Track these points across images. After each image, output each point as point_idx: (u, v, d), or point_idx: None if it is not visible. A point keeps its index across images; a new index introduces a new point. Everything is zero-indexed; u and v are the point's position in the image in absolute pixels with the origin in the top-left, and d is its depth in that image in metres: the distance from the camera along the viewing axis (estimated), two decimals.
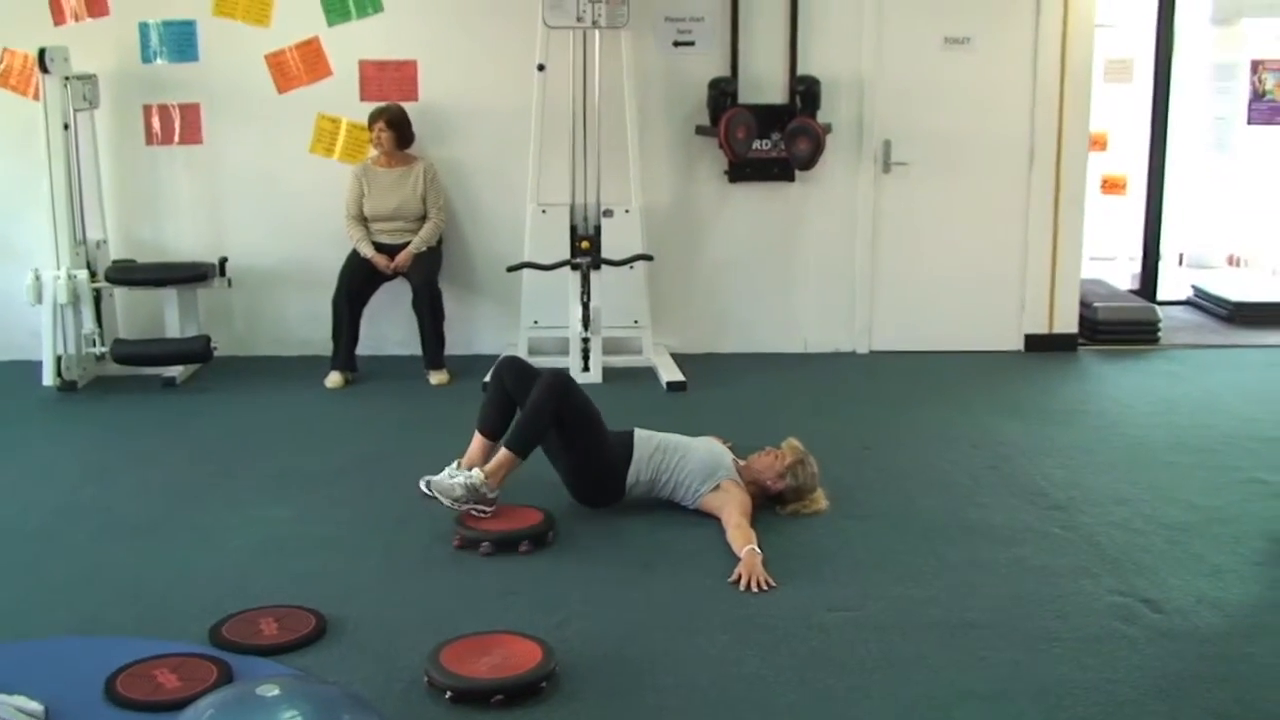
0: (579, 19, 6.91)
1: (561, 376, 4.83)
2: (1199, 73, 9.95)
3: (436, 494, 4.66)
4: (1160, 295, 9.14)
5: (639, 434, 4.93)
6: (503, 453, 4.73)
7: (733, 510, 4.60)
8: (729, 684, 3.52)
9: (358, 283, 7.05)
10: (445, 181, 7.36)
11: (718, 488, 4.77)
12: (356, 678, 3.53)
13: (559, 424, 4.76)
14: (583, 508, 4.91)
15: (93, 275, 6.96)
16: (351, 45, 7.37)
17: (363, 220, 7.13)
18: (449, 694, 3.39)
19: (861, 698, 3.43)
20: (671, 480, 4.84)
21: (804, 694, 3.46)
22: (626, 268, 7.12)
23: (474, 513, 4.64)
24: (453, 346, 7.22)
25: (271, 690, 2.77)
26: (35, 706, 3.22)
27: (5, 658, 3.63)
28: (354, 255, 7.09)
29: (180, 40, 7.33)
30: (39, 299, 6.81)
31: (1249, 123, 9.67)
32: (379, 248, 7.07)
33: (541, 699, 3.41)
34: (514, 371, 5.04)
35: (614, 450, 4.86)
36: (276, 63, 7.37)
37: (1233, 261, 10.54)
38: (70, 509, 4.98)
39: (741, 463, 4.93)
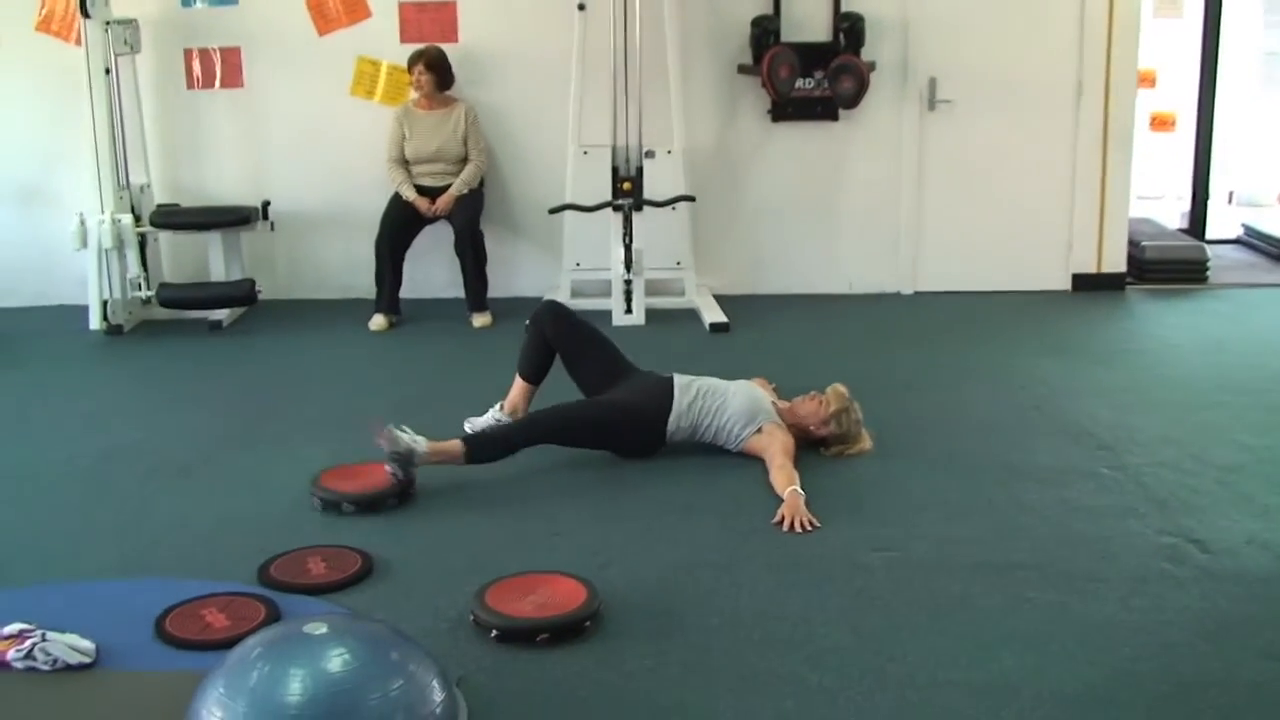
0: None
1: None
2: (1250, 7, 9.76)
3: (385, 439, 4.39)
4: (1209, 234, 9.01)
5: (678, 380, 4.89)
6: (455, 443, 4.56)
7: (776, 451, 4.59)
8: (773, 624, 3.52)
9: (400, 226, 7.05)
10: (486, 124, 7.33)
11: (760, 430, 4.75)
12: (403, 617, 3.54)
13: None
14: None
15: (137, 219, 6.99)
16: None
17: (404, 163, 7.12)
18: (494, 633, 3.41)
19: (906, 638, 3.43)
20: (714, 425, 4.82)
21: (848, 634, 3.45)
22: (669, 209, 7.09)
23: (389, 470, 4.41)
24: (495, 289, 7.21)
25: (319, 629, 2.79)
26: (87, 645, 3.26)
27: (57, 598, 3.67)
28: (396, 198, 7.09)
29: None
30: (84, 244, 6.86)
31: None
32: (421, 190, 7.07)
33: (586, 638, 3.42)
34: (553, 317, 5.03)
35: (637, 412, 4.81)
36: (316, 5, 7.35)
37: None
38: (117, 452, 5.03)
39: (783, 404, 4.91)
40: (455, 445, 4.56)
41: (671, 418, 4.80)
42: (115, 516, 4.36)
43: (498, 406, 5.01)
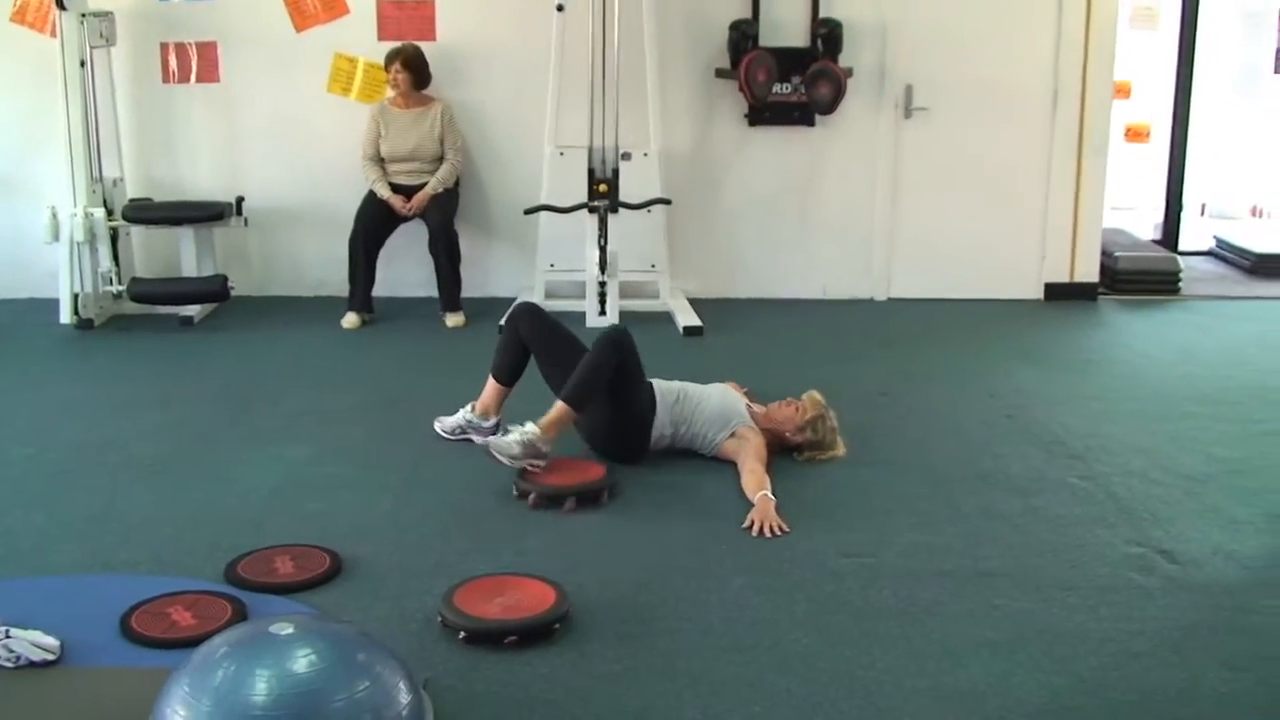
0: None
1: (623, 333, 4.76)
2: (1226, 20, 9.82)
3: (495, 454, 4.47)
4: (1182, 245, 9.06)
5: (658, 386, 4.88)
6: (559, 406, 4.60)
7: (748, 456, 4.59)
8: (742, 628, 3.52)
9: (375, 224, 7.03)
10: (462, 123, 7.31)
11: (734, 434, 4.75)
12: (371, 617, 3.54)
13: (614, 379, 4.69)
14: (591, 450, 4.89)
15: (109, 213, 6.95)
16: None
17: (379, 161, 7.10)
18: (462, 634, 3.40)
19: (874, 644, 3.43)
20: (690, 430, 4.82)
21: (817, 639, 3.46)
22: (644, 211, 7.08)
23: (529, 467, 4.49)
24: (469, 289, 7.20)
25: (286, 629, 2.77)
26: (51, 641, 3.24)
27: (22, 593, 3.65)
28: (371, 196, 7.07)
29: None
30: (56, 237, 6.81)
31: (1276, 71, 9.57)
32: (396, 189, 7.05)
33: (554, 641, 3.42)
34: (529, 318, 5.02)
35: (644, 405, 4.82)
36: (293, 1, 7.32)
37: (1256, 212, 10.46)
38: (87, 447, 5.00)
39: (758, 409, 4.91)
40: (561, 409, 4.59)
41: (655, 425, 4.80)
42: (83, 512, 4.32)
43: (469, 407, 5.00)
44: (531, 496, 4.40)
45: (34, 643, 3.21)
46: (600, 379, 4.64)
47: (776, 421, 4.85)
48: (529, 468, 4.50)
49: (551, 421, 4.56)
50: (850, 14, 7.36)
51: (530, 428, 4.52)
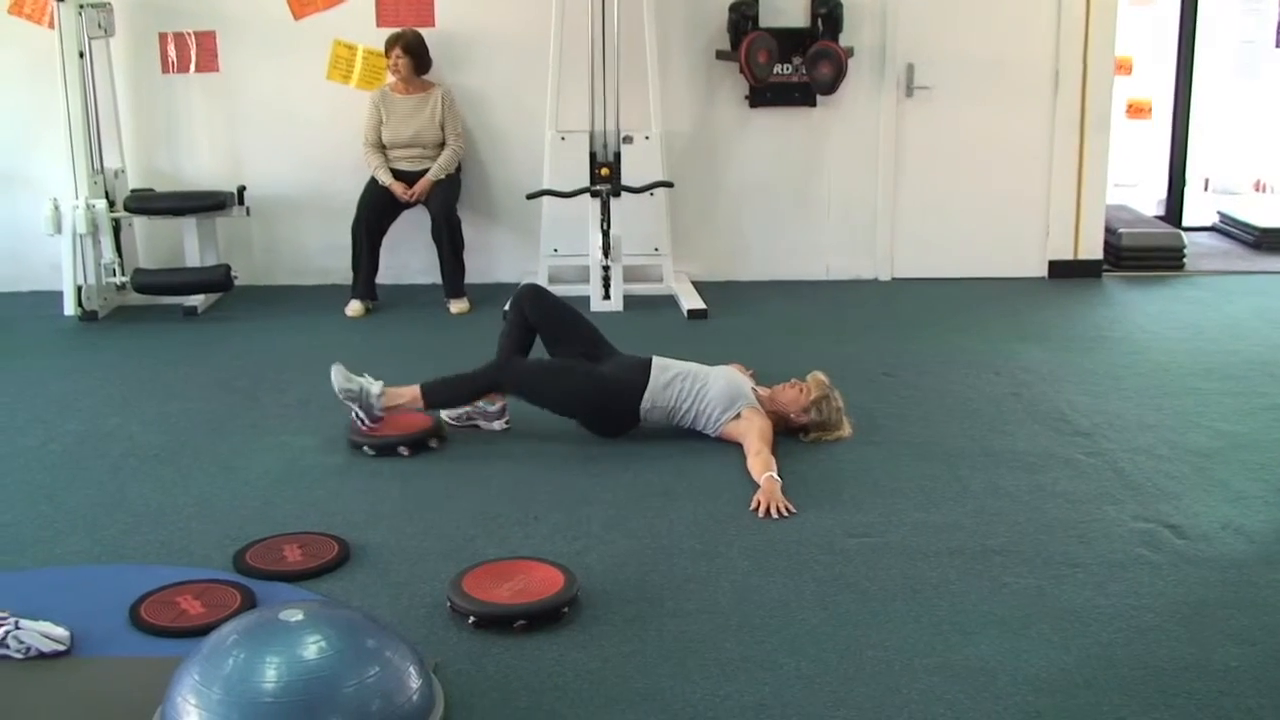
0: None
1: (494, 370, 4.88)
2: None
3: (332, 375, 4.77)
4: (1186, 221, 9.03)
5: (657, 361, 4.90)
6: (414, 389, 4.81)
7: (753, 438, 4.59)
8: (751, 609, 3.52)
9: (377, 211, 7.03)
10: (463, 108, 7.30)
11: (739, 416, 4.75)
12: (379, 603, 3.54)
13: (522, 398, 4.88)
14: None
15: (111, 204, 6.95)
16: None
17: (381, 148, 7.09)
18: (471, 619, 3.40)
19: (883, 622, 3.43)
20: (693, 409, 4.82)
21: (826, 618, 3.46)
22: (646, 194, 7.07)
23: (355, 417, 4.77)
24: (472, 275, 7.19)
25: (295, 615, 2.78)
26: (61, 632, 3.24)
27: (31, 584, 3.66)
28: (373, 183, 7.06)
29: None
30: (58, 229, 6.81)
31: (1277, 45, 9.53)
32: (397, 175, 7.04)
33: (563, 624, 3.42)
34: (534, 299, 5.03)
35: (614, 388, 4.83)
36: None
37: (1259, 187, 10.44)
38: (93, 438, 5.00)
39: (762, 391, 4.91)
40: (413, 391, 4.80)
41: (646, 395, 4.80)
42: (90, 502, 4.33)
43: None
44: (365, 448, 4.70)
45: (44, 633, 3.22)
46: (459, 390, 4.87)
47: (781, 403, 4.84)
48: (354, 419, 4.77)
49: (397, 393, 4.80)
50: None
51: (378, 384, 4.77)
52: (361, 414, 4.76)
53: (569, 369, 4.89)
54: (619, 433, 4.87)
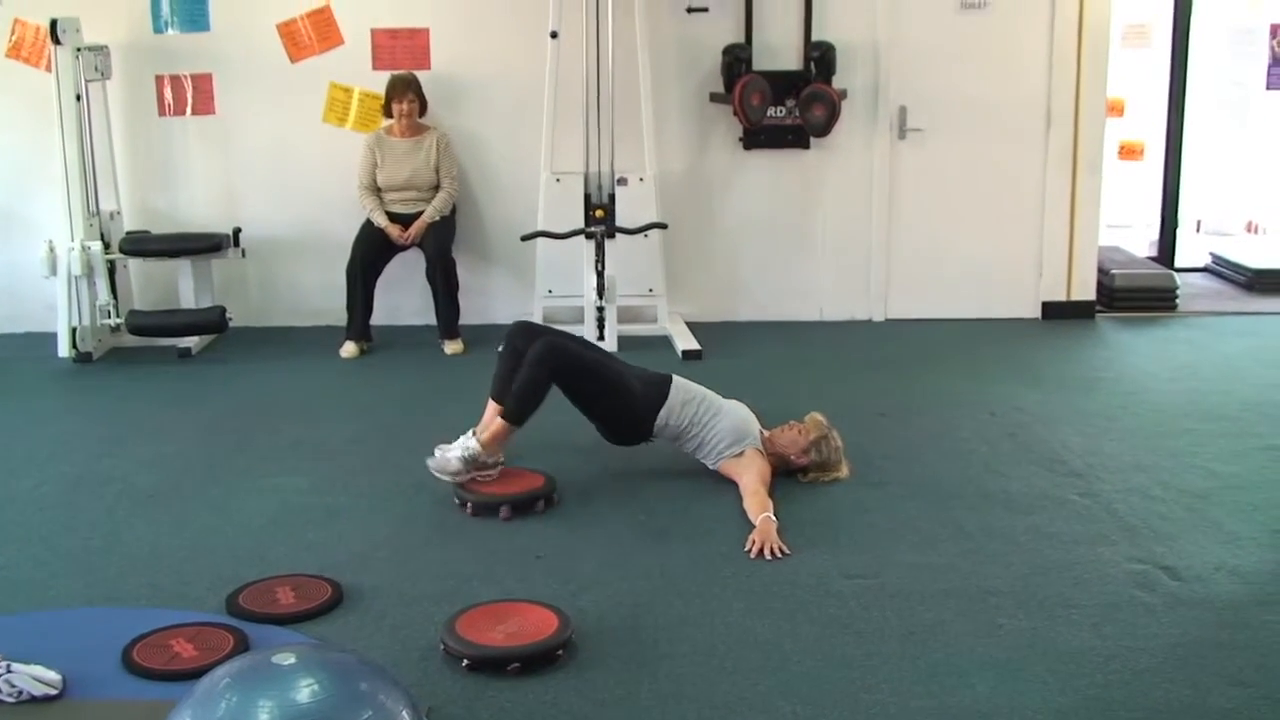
0: None
1: (552, 348, 4.80)
2: (1217, 37, 9.84)
3: (436, 473, 4.68)
4: (1178, 262, 9.07)
5: (677, 380, 4.95)
6: (499, 422, 4.76)
7: (751, 477, 4.60)
8: (745, 651, 3.51)
9: (372, 253, 7.04)
10: (458, 150, 7.34)
11: (741, 454, 4.76)
12: (373, 646, 3.53)
13: (564, 388, 4.81)
14: (595, 472, 4.92)
15: (107, 246, 6.96)
16: (363, 13, 7.34)
17: (376, 190, 7.11)
18: (465, 662, 3.39)
19: (879, 665, 3.42)
20: (700, 435, 4.84)
21: (820, 661, 3.45)
22: (641, 236, 7.09)
23: (478, 478, 4.69)
24: (467, 316, 7.20)
25: (288, 659, 2.76)
26: (53, 676, 3.23)
27: (23, 627, 3.64)
28: (368, 225, 7.08)
29: (191, 10, 7.30)
30: (53, 271, 6.82)
31: (1268, 88, 9.58)
32: (392, 217, 7.06)
33: (558, 667, 3.41)
34: (526, 335, 5.03)
35: (641, 397, 4.86)
36: (288, 32, 7.34)
37: (1251, 228, 10.46)
38: (86, 480, 4.99)
39: (766, 434, 4.92)
40: (499, 425, 4.74)
41: (663, 410, 4.83)
42: (83, 545, 4.32)
43: (470, 433, 4.98)
44: (469, 505, 4.58)
45: (35, 677, 3.20)
46: (536, 393, 4.76)
47: (781, 445, 4.85)
48: (478, 478, 4.69)
49: (492, 436, 4.73)
50: (843, 36, 7.39)
51: (472, 443, 4.69)
52: (483, 473, 4.71)
53: (605, 365, 4.93)
54: (631, 441, 4.93)
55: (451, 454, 4.68)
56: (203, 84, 7.40)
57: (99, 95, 7.10)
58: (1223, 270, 9.07)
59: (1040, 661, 3.44)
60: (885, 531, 4.39)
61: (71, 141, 6.79)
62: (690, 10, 7.29)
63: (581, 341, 5.15)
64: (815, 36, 7.38)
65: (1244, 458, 5.16)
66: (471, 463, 4.66)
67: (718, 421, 4.83)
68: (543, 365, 4.74)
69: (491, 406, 4.98)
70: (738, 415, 4.90)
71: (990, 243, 7.73)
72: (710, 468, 4.83)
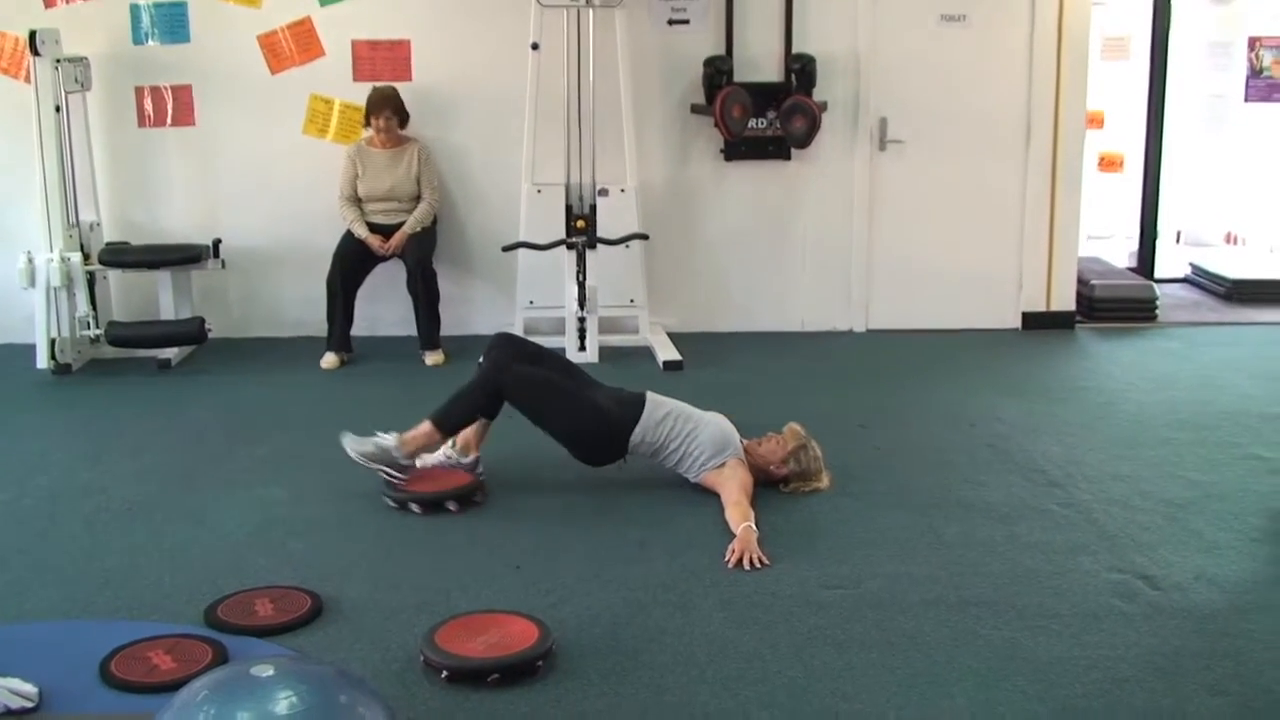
0: None
1: (499, 366, 4.83)
2: (1196, 50, 9.90)
3: (347, 449, 4.74)
4: (1158, 273, 9.11)
5: (651, 398, 4.92)
6: (425, 425, 4.78)
7: (733, 488, 4.59)
8: (726, 661, 3.51)
9: (352, 264, 7.03)
10: (439, 161, 7.34)
11: (723, 465, 4.75)
12: (352, 658, 3.52)
13: (522, 409, 4.81)
14: (575, 483, 4.91)
15: (86, 258, 6.93)
16: (344, 25, 7.34)
17: (357, 201, 7.11)
18: (445, 674, 3.38)
19: (859, 675, 3.42)
20: (680, 450, 4.82)
21: (801, 671, 3.45)
22: (622, 247, 7.10)
23: (384, 476, 4.73)
24: (448, 327, 7.19)
25: (266, 671, 2.75)
26: (30, 689, 3.20)
27: (0, 640, 3.62)
28: (348, 236, 7.07)
29: (171, 21, 7.29)
30: (32, 282, 6.79)
31: (1246, 100, 9.65)
32: (373, 228, 7.05)
33: (538, 678, 3.40)
34: (507, 346, 5.04)
35: (612, 416, 4.83)
36: (269, 43, 7.34)
37: (1230, 239, 10.51)
38: (65, 492, 4.97)
39: (745, 444, 4.91)
40: (425, 427, 4.76)
41: (638, 428, 4.80)
42: (61, 557, 4.29)
43: (450, 443, 4.98)
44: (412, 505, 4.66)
45: (12, 690, 3.17)
46: (469, 406, 4.82)
47: (760, 456, 4.85)
48: (385, 477, 4.72)
49: (412, 438, 4.76)
50: (824, 48, 7.41)
51: (391, 437, 4.73)
52: (391, 471, 4.74)
53: (567, 389, 4.88)
54: (604, 461, 4.89)
55: (370, 439, 4.74)
56: (183, 95, 7.39)
57: (79, 106, 7.08)
58: (1202, 281, 9.12)
59: (1020, 671, 3.44)
60: (865, 541, 4.39)
61: (51, 153, 6.77)
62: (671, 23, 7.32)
63: (553, 361, 5.11)
64: (796, 48, 7.41)
65: (1223, 467, 5.18)
66: (382, 454, 4.71)
67: (698, 434, 4.82)
68: (486, 383, 4.81)
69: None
70: (718, 427, 4.90)
71: (971, 254, 7.76)
72: (692, 481, 4.83)
